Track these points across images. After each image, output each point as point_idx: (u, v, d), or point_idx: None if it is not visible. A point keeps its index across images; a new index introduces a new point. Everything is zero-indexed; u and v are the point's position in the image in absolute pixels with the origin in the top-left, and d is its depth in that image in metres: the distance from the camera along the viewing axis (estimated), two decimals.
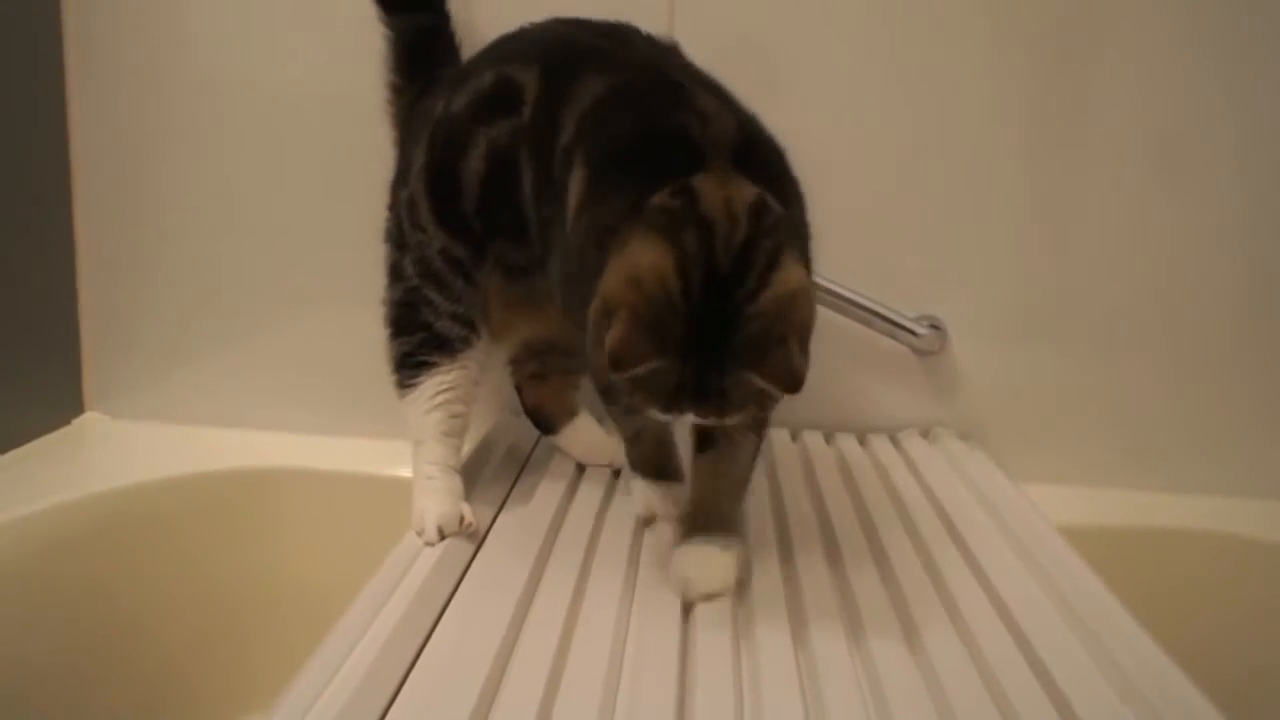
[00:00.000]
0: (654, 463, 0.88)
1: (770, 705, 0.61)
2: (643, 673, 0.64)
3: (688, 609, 0.73)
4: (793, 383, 0.64)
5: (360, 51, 1.05)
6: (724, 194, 0.67)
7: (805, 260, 0.72)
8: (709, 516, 0.79)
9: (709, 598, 0.73)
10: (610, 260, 0.67)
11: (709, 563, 0.75)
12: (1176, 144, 1.09)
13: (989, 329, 1.15)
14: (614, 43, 0.85)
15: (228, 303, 1.20)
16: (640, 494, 0.88)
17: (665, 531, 0.84)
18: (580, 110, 0.78)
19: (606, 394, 0.83)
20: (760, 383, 0.65)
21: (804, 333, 0.67)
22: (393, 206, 0.94)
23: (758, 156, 0.73)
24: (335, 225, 1.16)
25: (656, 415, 0.69)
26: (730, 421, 0.69)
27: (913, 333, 1.12)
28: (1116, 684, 0.64)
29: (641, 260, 0.65)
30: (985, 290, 1.14)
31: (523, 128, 0.83)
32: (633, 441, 0.88)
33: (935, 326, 1.13)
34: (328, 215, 1.16)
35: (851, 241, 1.12)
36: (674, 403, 0.67)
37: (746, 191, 0.68)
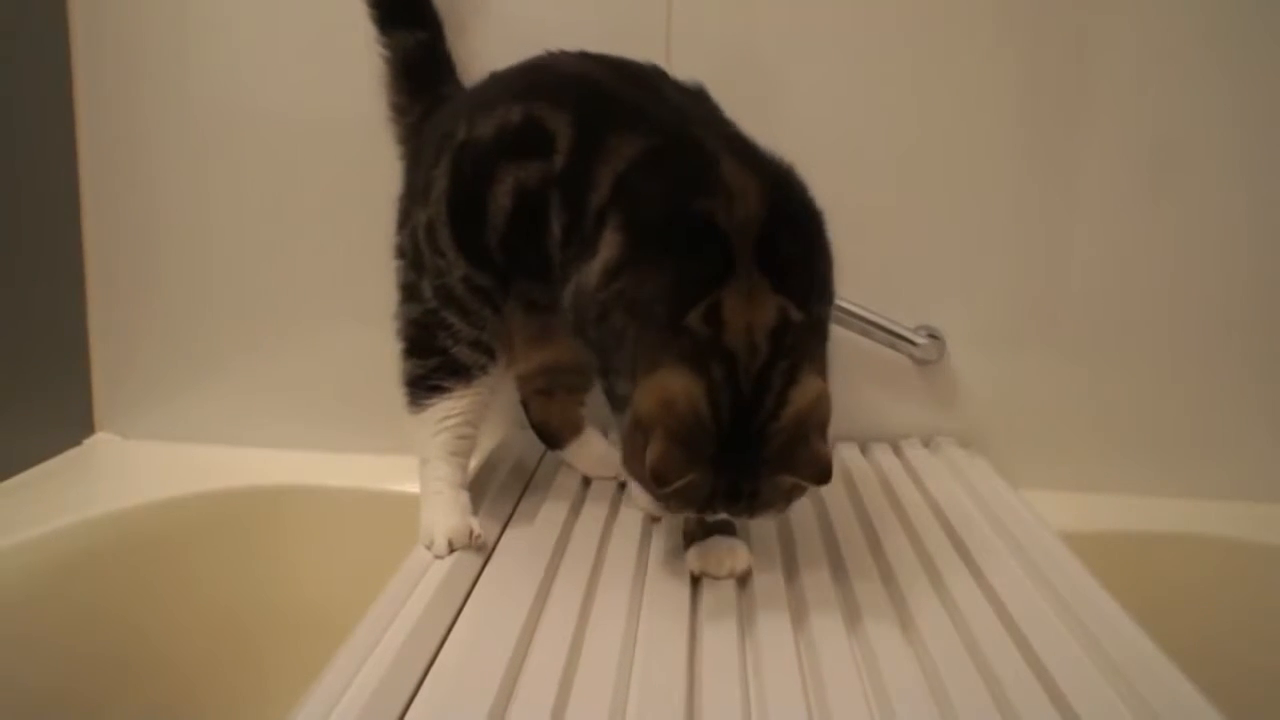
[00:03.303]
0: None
1: (777, 715, 0.62)
2: (652, 685, 0.65)
3: (695, 617, 0.75)
4: (823, 474, 0.72)
5: (365, 71, 1.06)
6: (746, 320, 0.73)
7: (821, 356, 0.78)
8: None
9: (734, 574, 0.81)
10: (643, 380, 0.74)
11: (732, 549, 0.82)
12: (1173, 150, 1.10)
13: (988, 337, 1.16)
14: (646, 94, 0.85)
15: (237, 322, 1.21)
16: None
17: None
18: (616, 171, 0.80)
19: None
20: (794, 480, 0.73)
21: (823, 426, 0.73)
22: (404, 225, 0.94)
23: (782, 240, 0.76)
24: (342, 244, 1.17)
25: (691, 515, 0.78)
26: (764, 517, 0.77)
27: (912, 342, 1.14)
28: (1118, 687, 0.65)
29: (674, 388, 0.72)
30: (983, 299, 1.15)
31: (554, 175, 0.83)
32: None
33: (934, 336, 1.14)
34: (334, 234, 1.17)
35: (850, 254, 1.10)
36: (708, 506, 0.74)
37: (767, 313, 0.73)
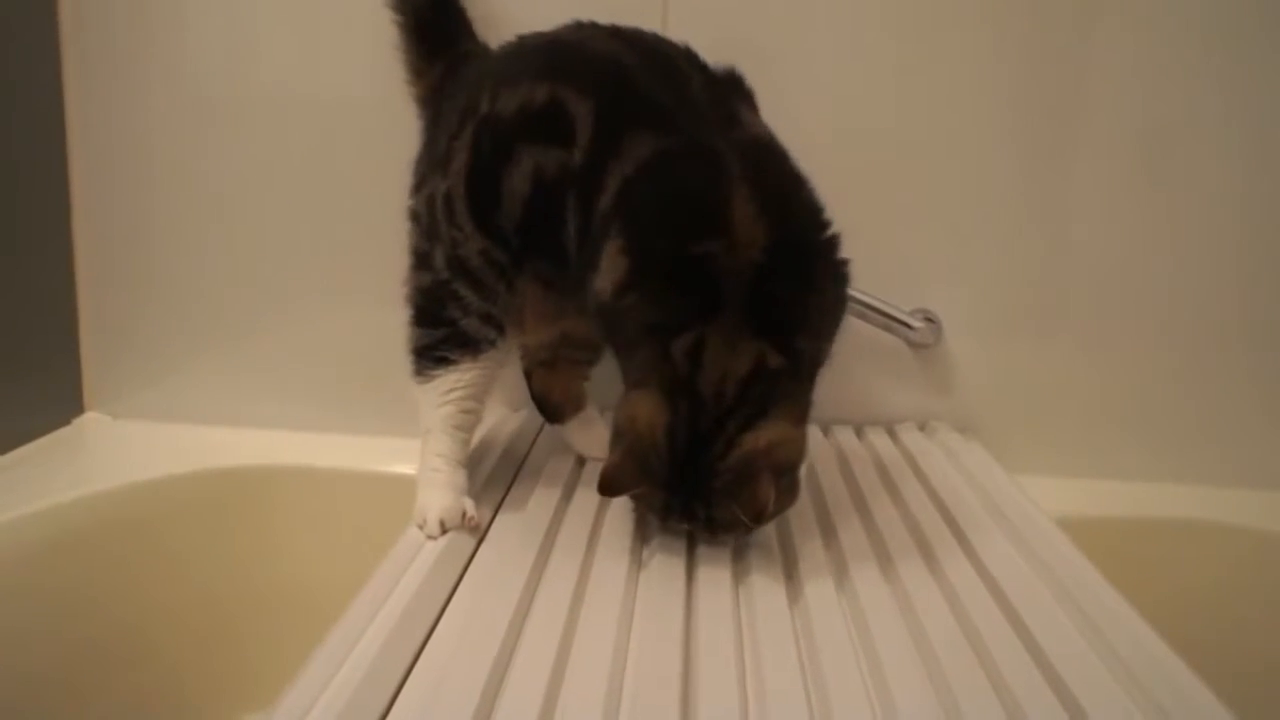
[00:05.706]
0: None
1: (773, 697, 0.61)
2: (646, 666, 0.64)
3: (689, 605, 0.74)
4: (757, 514, 0.76)
5: (355, 53, 1.06)
6: (723, 369, 0.77)
7: (803, 400, 0.81)
8: None
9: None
10: (629, 392, 0.81)
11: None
12: (1172, 136, 1.10)
13: (984, 322, 1.15)
14: (669, 87, 0.83)
15: (226, 302, 1.20)
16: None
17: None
18: (624, 173, 0.80)
19: None
20: (736, 512, 0.77)
21: (780, 467, 0.78)
22: (420, 189, 0.92)
23: (776, 282, 0.78)
24: (332, 224, 1.16)
25: (657, 523, 0.84)
26: (724, 539, 0.82)
27: (908, 326, 1.13)
28: (1117, 674, 0.64)
29: (644, 411, 0.79)
30: (979, 283, 1.15)
31: (572, 170, 0.82)
32: None
33: (930, 320, 1.14)
34: (324, 214, 1.16)
35: (846, 237, 1.11)
36: (667, 517, 0.81)
37: (743, 362, 0.77)
